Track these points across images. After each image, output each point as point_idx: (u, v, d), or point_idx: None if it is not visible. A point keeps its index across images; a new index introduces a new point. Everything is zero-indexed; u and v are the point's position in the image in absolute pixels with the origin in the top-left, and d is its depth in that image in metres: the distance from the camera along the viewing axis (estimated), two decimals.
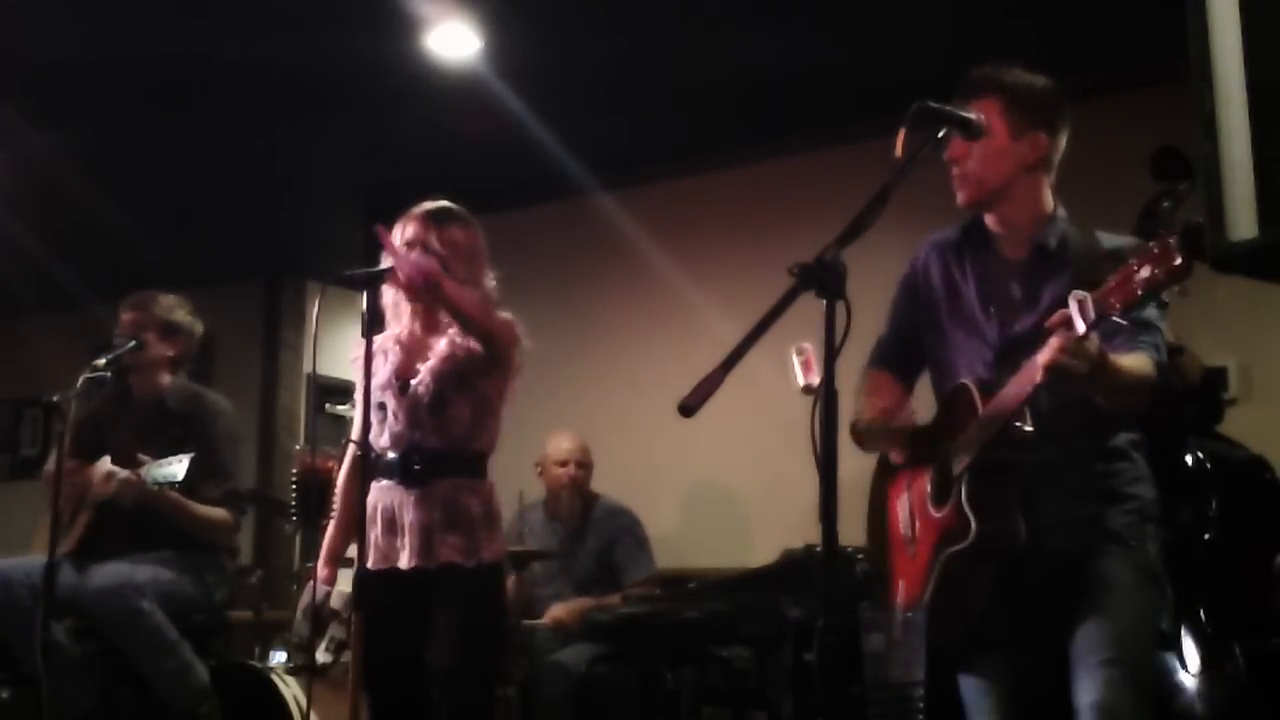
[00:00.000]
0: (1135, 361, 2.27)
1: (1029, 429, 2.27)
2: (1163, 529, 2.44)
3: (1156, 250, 1.91)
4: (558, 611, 4.45)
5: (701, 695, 4.33)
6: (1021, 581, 2.33)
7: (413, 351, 3.05)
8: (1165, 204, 3.24)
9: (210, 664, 3.94)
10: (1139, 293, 1.94)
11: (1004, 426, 2.25)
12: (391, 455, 2.99)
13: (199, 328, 4.17)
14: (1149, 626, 2.38)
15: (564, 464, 4.73)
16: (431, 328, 3.05)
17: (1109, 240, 2.40)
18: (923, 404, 2.64)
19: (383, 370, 3.03)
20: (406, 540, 2.94)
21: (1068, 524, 2.35)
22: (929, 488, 2.45)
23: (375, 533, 2.96)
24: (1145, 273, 1.93)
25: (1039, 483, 2.32)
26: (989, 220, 2.51)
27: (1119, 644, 2.26)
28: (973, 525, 2.27)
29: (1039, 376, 2.14)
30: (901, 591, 2.48)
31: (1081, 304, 2.03)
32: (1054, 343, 2.11)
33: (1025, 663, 2.40)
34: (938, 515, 2.40)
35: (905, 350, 2.67)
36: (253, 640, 4.36)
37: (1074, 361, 2.10)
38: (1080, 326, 2.04)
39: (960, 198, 2.48)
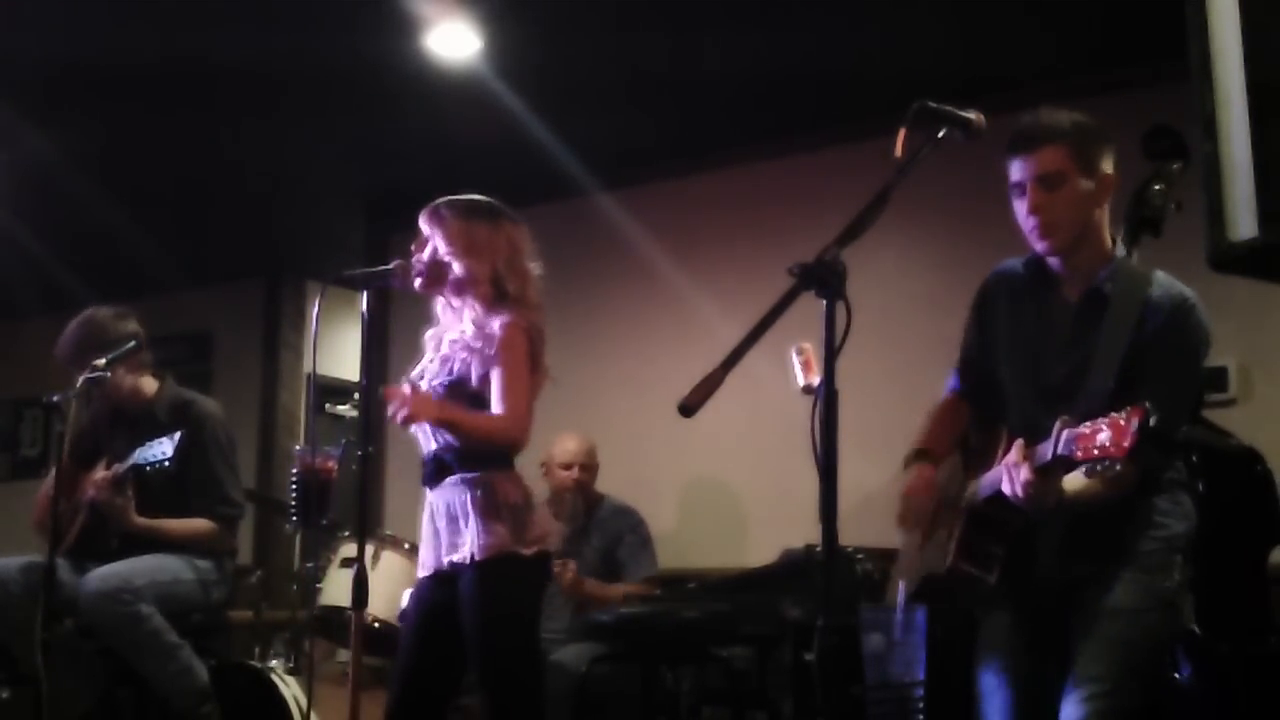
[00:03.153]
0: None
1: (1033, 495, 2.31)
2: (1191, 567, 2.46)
3: (1121, 422, 1.99)
4: (571, 573, 4.41)
5: (701, 695, 4.32)
6: (1039, 600, 2.41)
7: (438, 350, 3.05)
8: (1156, 187, 3.15)
9: (210, 664, 3.93)
10: (1093, 454, 2.03)
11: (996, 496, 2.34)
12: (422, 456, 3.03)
13: (134, 325, 4.08)
14: (1146, 651, 2.38)
15: (569, 466, 4.71)
16: (459, 319, 3.03)
17: (1159, 288, 2.40)
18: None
19: (419, 366, 3.06)
20: (429, 541, 2.96)
21: (1090, 548, 2.39)
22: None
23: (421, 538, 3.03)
24: (1103, 437, 2.01)
25: (1070, 513, 2.36)
26: (1054, 261, 2.51)
27: (1108, 666, 2.29)
28: (949, 560, 2.41)
29: (1007, 491, 2.26)
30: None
31: (1058, 432, 2.13)
32: (1023, 473, 2.21)
33: (1045, 672, 2.42)
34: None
35: (979, 373, 2.68)
36: (253, 640, 4.35)
37: (1023, 498, 2.22)
38: (1046, 454, 2.16)
39: (1043, 247, 2.46)
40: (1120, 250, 2.49)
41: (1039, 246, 2.46)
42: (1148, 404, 1.97)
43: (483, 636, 2.86)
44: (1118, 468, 2.01)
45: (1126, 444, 1.95)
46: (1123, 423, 1.97)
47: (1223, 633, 2.96)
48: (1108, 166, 2.45)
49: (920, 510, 2.54)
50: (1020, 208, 2.44)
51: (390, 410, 2.81)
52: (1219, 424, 3.27)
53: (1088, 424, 2.05)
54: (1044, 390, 2.44)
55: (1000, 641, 2.46)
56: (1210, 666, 2.94)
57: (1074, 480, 2.22)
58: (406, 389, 2.90)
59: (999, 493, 2.30)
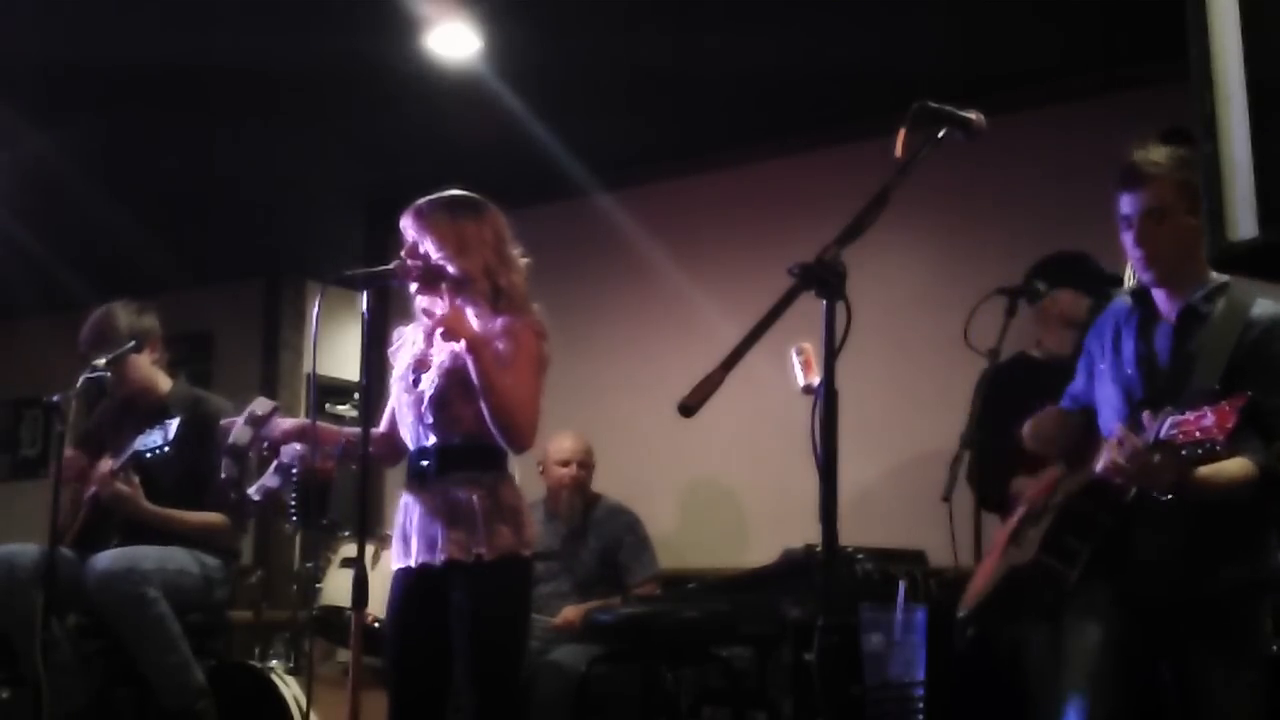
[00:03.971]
0: (1235, 466, 2.35)
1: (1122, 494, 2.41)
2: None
3: (1226, 407, 2.09)
4: (569, 614, 4.45)
5: (701, 695, 4.32)
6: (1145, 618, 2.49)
7: (431, 346, 3.04)
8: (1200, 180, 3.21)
9: (210, 664, 3.93)
10: (1194, 436, 2.12)
11: (1086, 485, 2.45)
12: (410, 452, 3.01)
13: (150, 321, 4.15)
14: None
15: (566, 464, 4.72)
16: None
17: (1261, 306, 2.49)
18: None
19: (402, 363, 3.05)
20: (414, 538, 2.94)
21: (1170, 570, 2.47)
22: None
23: (397, 531, 3.00)
24: (1207, 421, 2.11)
25: (1151, 524, 2.45)
26: (1157, 291, 2.62)
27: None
28: (1034, 552, 2.49)
29: (1099, 468, 2.35)
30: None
31: (1162, 418, 2.22)
32: (1114, 444, 2.30)
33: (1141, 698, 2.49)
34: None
35: (1085, 394, 2.80)
36: (253, 640, 4.35)
37: (1128, 468, 2.28)
38: (1149, 436, 2.24)
39: (1148, 278, 2.59)
40: (1221, 277, 2.56)
41: (1143, 277, 2.59)
42: (1250, 392, 2.07)
43: (478, 635, 2.86)
44: (1218, 448, 2.10)
45: (1230, 424, 2.04)
46: (1227, 408, 2.07)
47: None
48: None
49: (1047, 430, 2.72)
50: (1128, 239, 2.56)
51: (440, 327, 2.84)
52: None
53: (1191, 412, 2.15)
54: (1143, 402, 2.51)
55: (1091, 664, 2.49)
56: None
57: (1206, 467, 2.29)
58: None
59: (1094, 482, 2.40)
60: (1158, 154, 2.54)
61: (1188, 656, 2.44)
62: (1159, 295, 2.61)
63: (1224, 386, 2.35)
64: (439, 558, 2.90)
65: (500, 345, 2.92)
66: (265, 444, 3.16)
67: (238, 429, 3.16)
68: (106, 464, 3.85)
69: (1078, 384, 2.82)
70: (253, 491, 3.30)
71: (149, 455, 3.69)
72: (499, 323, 2.95)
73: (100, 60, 4.57)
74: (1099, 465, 2.32)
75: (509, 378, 2.88)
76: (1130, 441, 2.26)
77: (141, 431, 3.82)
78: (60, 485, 3.79)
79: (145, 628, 3.76)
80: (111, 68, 4.63)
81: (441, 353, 2.97)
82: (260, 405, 3.18)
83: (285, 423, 3.15)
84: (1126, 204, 2.55)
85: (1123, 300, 2.73)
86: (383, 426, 3.16)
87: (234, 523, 4.09)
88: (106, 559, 3.78)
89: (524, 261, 3.07)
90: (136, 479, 3.88)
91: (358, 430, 2.98)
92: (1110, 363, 2.66)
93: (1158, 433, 2.21)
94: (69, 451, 3.95)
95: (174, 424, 3.65)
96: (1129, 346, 2.63)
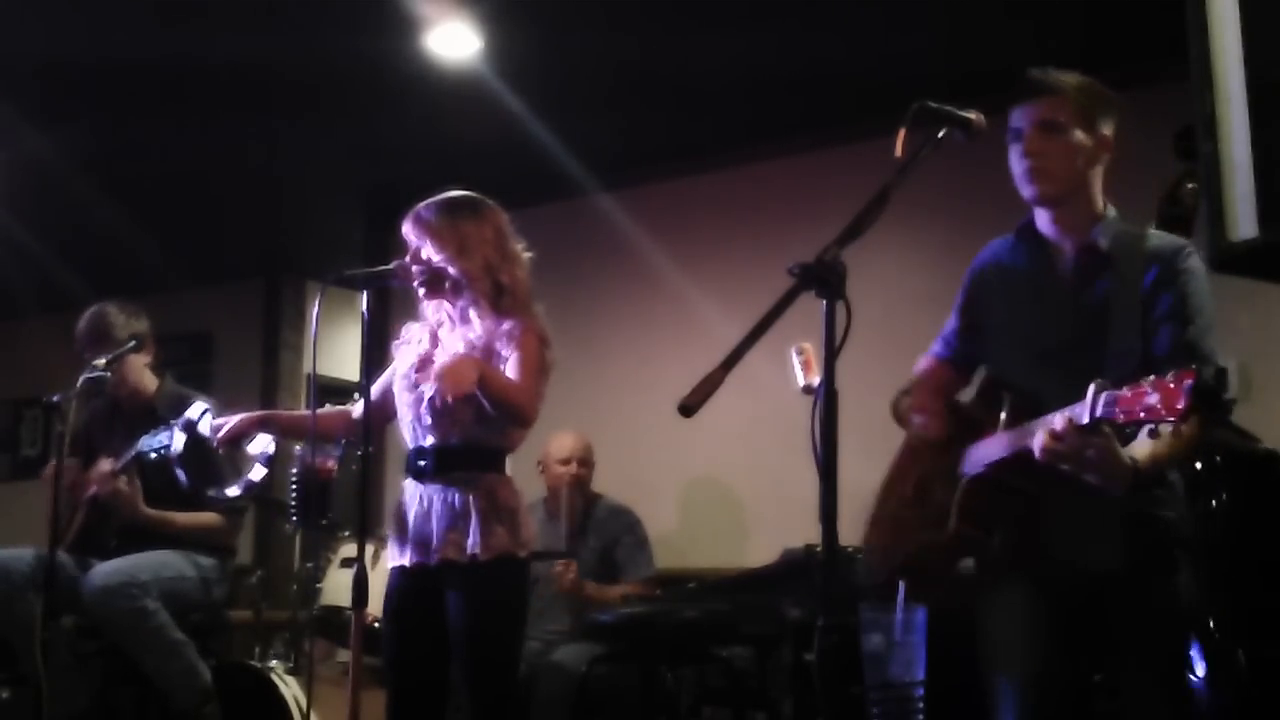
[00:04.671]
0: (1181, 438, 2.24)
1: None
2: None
3: (1171, 385, 1.96)
4: (571, 575, 4.42)
5: (701, 695, 4.32)
6: (1052, 591, 2.38)
7: (435, 346, 3.05)
8: (1189, 186, 3.20)
9: (210, 664, 3.94)
10: (1138, 416, 2.00)
11: (1013, 458, 2.31)
12: (408, 450, 3.02)
13: (142, 324, 4.17)
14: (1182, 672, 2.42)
15: (566, 462, 4.72)
16: (460, 320, 3.03)
17: (1156, 238, 2.42)
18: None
19: (405, 361, 3.05)
20: (410, 537, 2.94)
21: (1085, 544, 2.36)
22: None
23: (393, 530, 3.01)
24: (1152, 399, 1.98)
25: (1061, 500, 2.33)
26: (1042, 222, 2.51)
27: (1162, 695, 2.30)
28: (951, 523, 2.38)
29: (1037, 453, 2.18)
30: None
31: (1094, 396, 2.08)
32: (1055, 425, 2.14)
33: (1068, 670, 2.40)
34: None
35: (963, 341, 2.70)
36: (253, 640, 4.35)
37: (1064, 451, 2.14)
38: (1083, 417, 2.09)
39: (1030, 192, 2.46)
40: (1112, 212, 2.48)
41: (1026, 192, 2.46)
42: (1196, 367, 1.97)
43: (473, 635, 2.86)
44: (1169, 428, 2.02)
45: (1181, 406, 1.94)
46: (1172, 386, 1.96)
47: (1240, 636, 2.94)
48: (1108, 130, 2.47)
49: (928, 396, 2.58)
50: (1015, 153, 2.45)
51: (438, 390, 2.80)
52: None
53: (1127, 388, 2.03)
54: (1045, 353, 2.43)
55: (1013, 633, 2.39)
56: (1227, 670, 2.92)
57: (1142, 446, 2.18)
58: (441, 362, 2.88)
59: (1018, 455, 2.27)
60: (1058, 71, 2.46)
61: (1109, 628, 2.35)
62: (1050, 230, 2.49)
63: (1144, 340, 2.29)
64: (434, 558, 2.90)
65: (503, 350, 2.92)
66: (217, 445, 3.18)
67: (175, 435, 3.22)
68: (107, 464, 3.85)
69: (952, 324, 2.71)
70: (235, 489, 3.32)
71: (153, 456, 3.70)
72: (504, 326, 2.94)
73: (100, 60, 4.56)
74: (1035, 445, 2.17)
75: (515, 384, 2.88)
76: (1070, 432, 2.12)
77: (133, 432, 3.83)
78: (59, 487, 3.80)
79: (147, 639, 3.78)
80: (110, 68, 4.63)
81: (444, 355, 2.97)
82: (193, 410, 3.29)
83: (221, 422, 3.16)
84: (1018, 117, 2.44)
85: (1003, 240, 2.60)
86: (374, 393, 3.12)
87: (228, 521, 4.09)
88: (102, 574, 3.79)
89: (526, 256, 3.07)
90: (137, 481, 3.88)
91: (310, 412, 3.02)
92: (1002, 310, 2.56)
93: (1093, 411, 2.08)
94: (67, 462, 3.94)
95: (179, 426, 3.65)
96: (1022, 291, 2.52)
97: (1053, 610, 2.36)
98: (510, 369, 2.90)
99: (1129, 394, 2.02)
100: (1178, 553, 2.40)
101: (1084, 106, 2.43)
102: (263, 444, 3.25)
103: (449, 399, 2.78)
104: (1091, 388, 2.09)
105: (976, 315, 2.65)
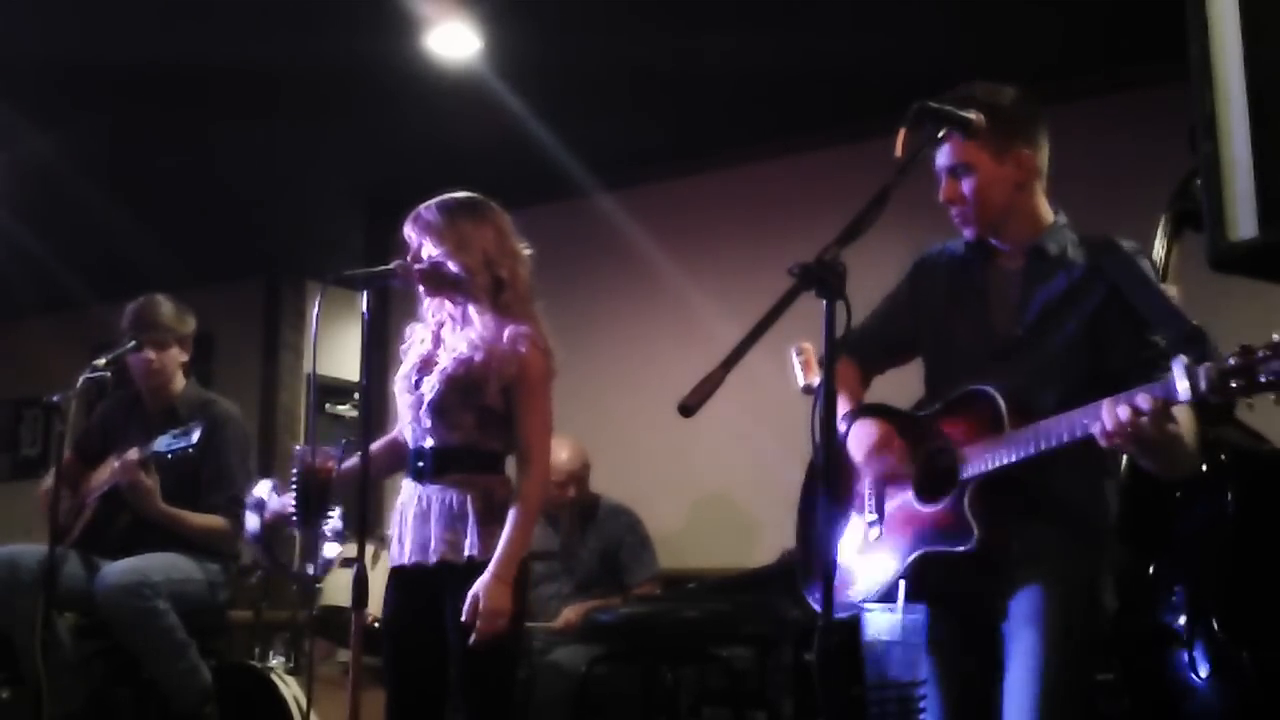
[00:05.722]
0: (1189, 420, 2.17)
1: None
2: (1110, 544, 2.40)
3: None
4: (569, 615, 4.44)
5: (701, 695, 4.32)
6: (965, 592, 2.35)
7: (437, 347, 3.05)
8: (1199, 181, 3.18)
9: (210, 664, 3.94)
10: (1262, 380, 1.89)
11: (1043, 453, 2.22)
12: (408, 451, 3.02)
13: (192, 326, 4.21)
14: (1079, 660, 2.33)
15: (562, 485, 4.60)
16: (462, 320, 3.03)
17: (1095, 239, 2.40)
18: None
19: (409, 361, 3.05)
20: (408, 537, 2.95)
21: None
22: (909, 479, 2.45)
23: (393, 530, 3.01)
24: (1277, 364, 1.88)
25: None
26: (992, 239, 2.49)
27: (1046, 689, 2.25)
28: (975, 532, 2.27)
29: (1109, 428, 2.06)
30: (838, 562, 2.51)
31: (1189, 371, 1.96)
32: (1140, 403, 2.03)
33: (966, 666, 2.39)
34: (926, 510, 2.40)
35: (884, 344, 2.65)
36: (253, 640, 4.35)
37: (1146, 428, 2.02)
38: (1183, 395, 1.98)
39: (969, 234, 2.46)
40: (1062, 219, 2.45)
41: (964, 233, 2.46)
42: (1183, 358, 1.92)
43: (470, 636, 2.86)
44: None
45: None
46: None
47: (1245, 637, 2.89)
48: (1029, 148, 2.41)
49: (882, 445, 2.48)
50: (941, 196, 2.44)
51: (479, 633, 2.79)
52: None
53: (1232, 357, 1.94)
54: (998, 350, 2.41)
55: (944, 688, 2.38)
56: (1231, 670, 2.90)
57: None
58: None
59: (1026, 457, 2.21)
60: (962, 105, 2.30)
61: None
62: (997, 242, 2.46)
63: (1091, 339, 2.28)
64: (431, 558, 2.90)
65: (506, 368, 2.91)
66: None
67: (249, 519, 3.25)
68: (134, 453, 3.84)
69: (882, 324, 2.64)
70: (312, 569, 3.32)
71: (170, 456, 3.71)
72: (506, 335, 2.93)
73: (100, 60, 4.57)
74: (1107, 423, 2.04)
75: (536, 486, 2.91)
76: (1159, 409, 1.99)
77: (150, 430, 3.84)
78: (59, 487, 3.80)
79: (156, 638, 3.79)
80: (111, 67, 4.63)
81: (446, 357, 2.97)
82: (260, 488, 3.27)
83: (277, 502, 3.19)
84: (937, 155, 2.40)
85: (953, 244, 2.57)
86: (384, 441, 3.18)
87: (234, 525, 4.10)
88: (116, 572, 3.80)
89: (527, 253, 3.07)
90: (156, 476, 3.89)
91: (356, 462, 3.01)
92: (950, 310, 2.51)
93: (1200, 385, 1.94)
94: (66, 455, 3.95)
95: (197, 430, 3.66)
96: (973, 293, 2.49)
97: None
98: (522, 420, 2.92)
99: (1235, 365, 1.92)
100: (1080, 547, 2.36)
101: (989, 139, 2.34)
102: (334, 519, 3.28)
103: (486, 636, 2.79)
104: (1177, 365, 1.99)
105: (917, 304, 2.61)
